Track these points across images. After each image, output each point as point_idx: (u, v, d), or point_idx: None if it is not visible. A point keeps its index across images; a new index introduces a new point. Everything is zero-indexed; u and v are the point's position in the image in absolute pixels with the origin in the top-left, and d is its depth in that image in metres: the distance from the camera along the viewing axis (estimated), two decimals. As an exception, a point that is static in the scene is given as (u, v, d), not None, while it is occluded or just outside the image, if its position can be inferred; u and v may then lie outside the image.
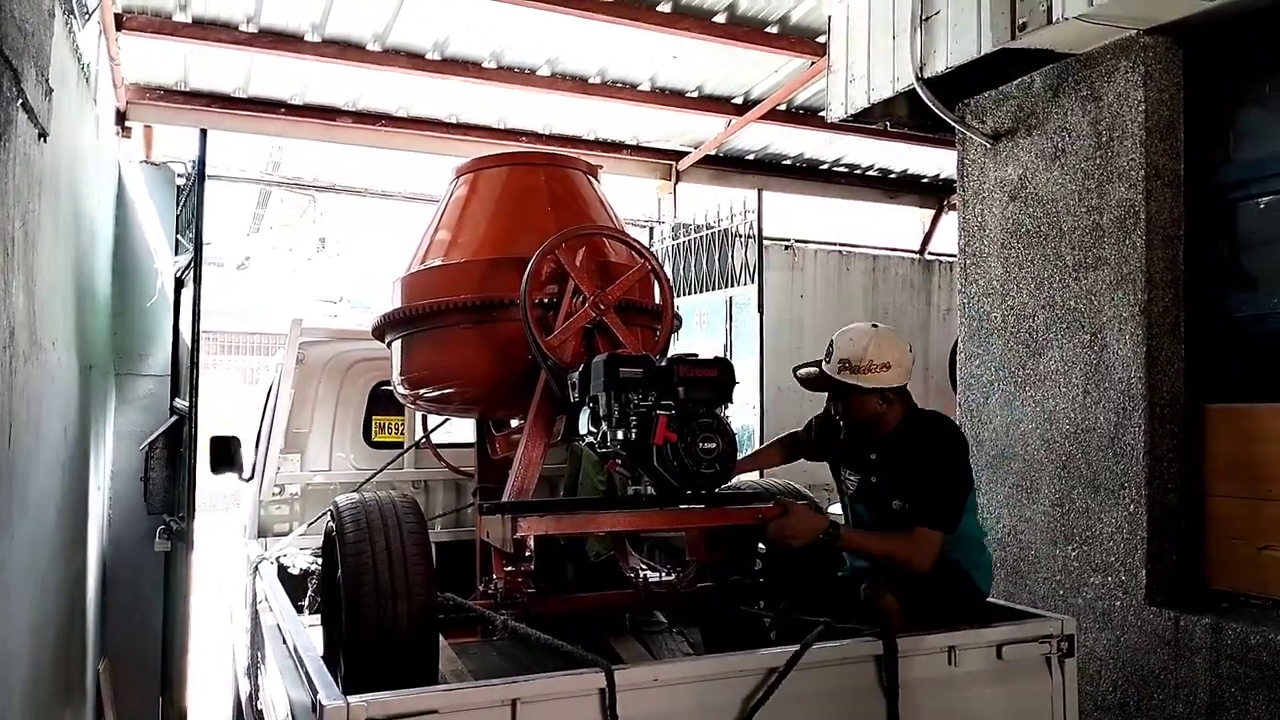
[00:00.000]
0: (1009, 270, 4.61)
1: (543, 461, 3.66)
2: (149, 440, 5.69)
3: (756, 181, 8.46)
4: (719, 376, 3.34)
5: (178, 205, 6.36)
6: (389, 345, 4.04)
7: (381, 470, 5.15)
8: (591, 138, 7.96)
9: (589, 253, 3.68)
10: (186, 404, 5.33)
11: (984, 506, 4.66)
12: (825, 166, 8.89)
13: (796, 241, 9.03)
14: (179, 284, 5.83)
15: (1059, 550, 4.31)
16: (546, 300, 3.59)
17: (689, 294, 7.54)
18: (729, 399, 3.36)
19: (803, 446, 3.78)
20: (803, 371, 3.55)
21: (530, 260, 3.43)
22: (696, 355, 3.48)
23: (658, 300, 3.84)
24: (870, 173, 9.09)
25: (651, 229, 8.26)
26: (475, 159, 4.11)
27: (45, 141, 3.53)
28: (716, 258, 7.23)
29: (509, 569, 3.43)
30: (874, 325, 3.49)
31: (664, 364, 3.30)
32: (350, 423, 5.53)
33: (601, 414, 3.25)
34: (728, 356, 7.13)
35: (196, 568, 5.62)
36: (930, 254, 9.73)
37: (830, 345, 3.44)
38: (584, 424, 3.39)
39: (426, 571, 3.06)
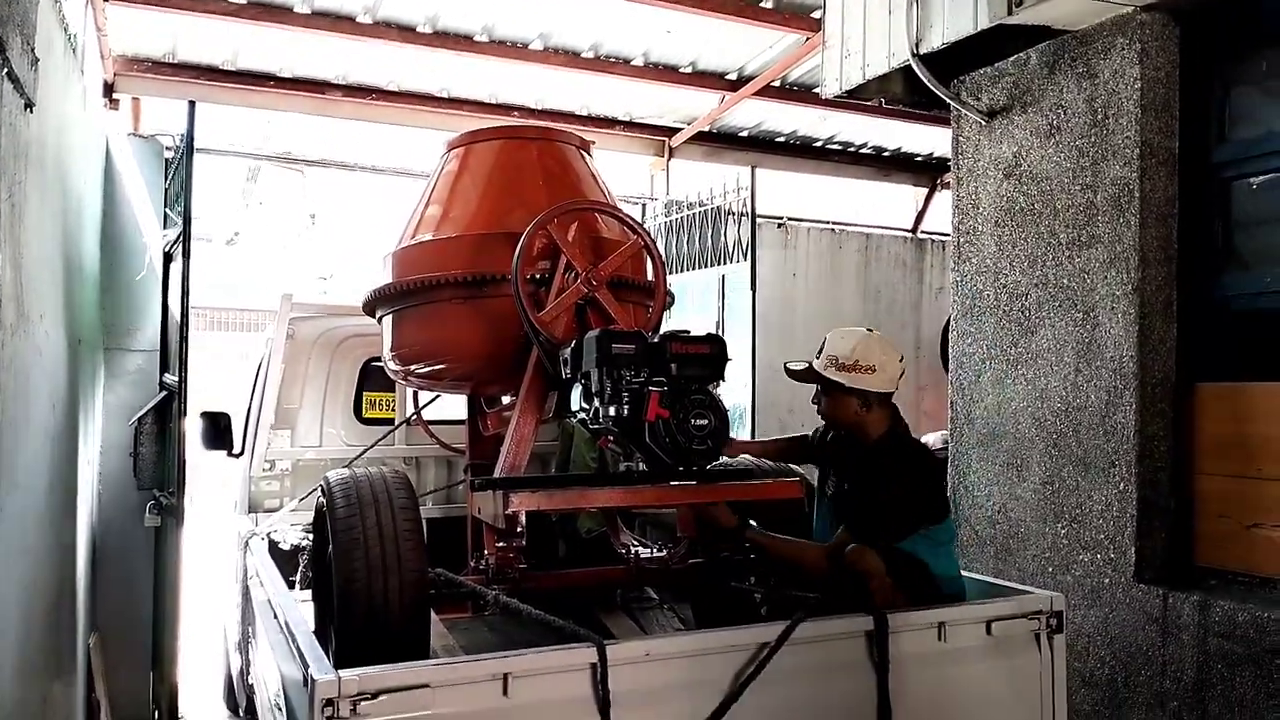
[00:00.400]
0: (1002, 248, 4.60)
1: (534, 438, 3.65)
2: (138, 415, 5.66)
3: (750, 158, 8.42)
4: (711, 353, 3.34)
5: (166, 178, 6.30)
6: (379, 321, 4.02)
7: (372, 446, 5.14)
8: (584, 113, 7.91)
9: (581, 228, 3.66)
10: (176, 379, 5.29)
11: (974, 485, 4.68)
12: (819, 144, 8.85)
13: (789, 219, 9.01)
14: (168, 258, 5.78)
15: (1048, 528, 4.33)
16: (539, 276, 3.56)
17: (681, 272, 7.51)
18: (721, 376, 3.36)
19: (807, 449, 3.77)
20: (794, 365, 3.55)
21: (522, 235, 3.41)
22: (689, 332, 3.48)
23: (650, 277, 3.83)
24: (864, 150, 9.05)
25: (644, 206, 8.21)
26: (468, 133, 4.07)
27: (31, 112, 3.48)
28: (709, 235, 7.20)
29: (500, 545, 3.42)
30: (869, 330, 3.48)
31: (656, 340, 3.30)
32: (341, 398, 5.51)
33: (593, 390, 3.25)
34: (719, 332, 7.12)
35: (187, 543, 5.62)
36: (923, 233, 9.72)
37: (823, 342, 3.44)
38: (576, 400, 3.38)
39: (418, 546, 3.07)
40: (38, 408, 3.77)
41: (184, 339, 5.27)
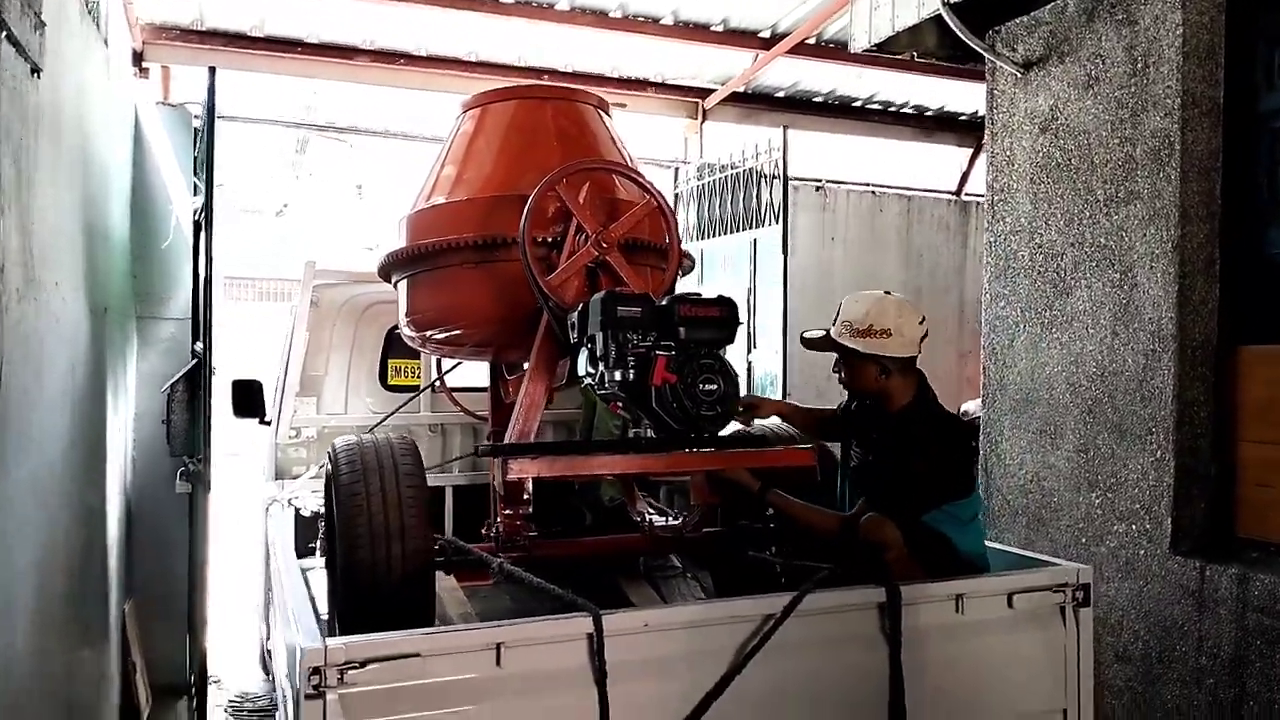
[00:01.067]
0: (1037, 206, 4.41)
1: (545, 404, 3.59)
2: (170, 383, 5.70)
3: (786, 120, 8.21)
4: (721, 316, 3.23)
5: (195, 147, 6.31)
6: (395, 286, 3.97)
7: (395, 413, 5.12)
8: (614, 75, 7.76)
9: (595, 189, 3.57)
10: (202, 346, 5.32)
11: (1007, 453, 4.53)
12: (858, 104, 8.61)
13: (828, 182, 8.80)
14: (198, 226, 5.80)
15: (1082, 497, 4.17)
16: (550, 239, 3.49)
17: (714, 237, 7.37)
18: (732, 339, 3.26)
19: (836, 425, 3.65)
20: (810, 333, 3.43)
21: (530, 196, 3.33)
22: (700, 294, 3.38)
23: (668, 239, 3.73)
24: (905, 110, 8.79)
25: (676, 170, 8.07)
26: (482, 93, 4.00)
27: (39, 78, 3.46)
28: (741, 198, 7.04)
29: (507, 512, 3.37)
30: (886, 292, 3.35)
31: (665, 303, 3.21)
32: (366, 366, 5.50)
33: (598, 354, 3.17)
34: (752, 300, 6.98)
35: (220, 510, 5.67)
36: (967, 195, 9.44)
37: (839, 306, 3.31)
38: (582, 365, 3.30)
39: (422, 513, 3.02)
40: (54, 373, 3.78)
41: (208, 305, 5.30)
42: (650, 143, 8.17)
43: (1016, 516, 4.45)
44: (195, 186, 5.81)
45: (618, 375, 3.13)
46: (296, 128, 9.08)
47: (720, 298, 3.30)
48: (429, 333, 3.85)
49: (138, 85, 6.47)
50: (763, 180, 6.82)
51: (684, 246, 8.05)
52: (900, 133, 8.95)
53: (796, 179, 8.61)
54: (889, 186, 9.07)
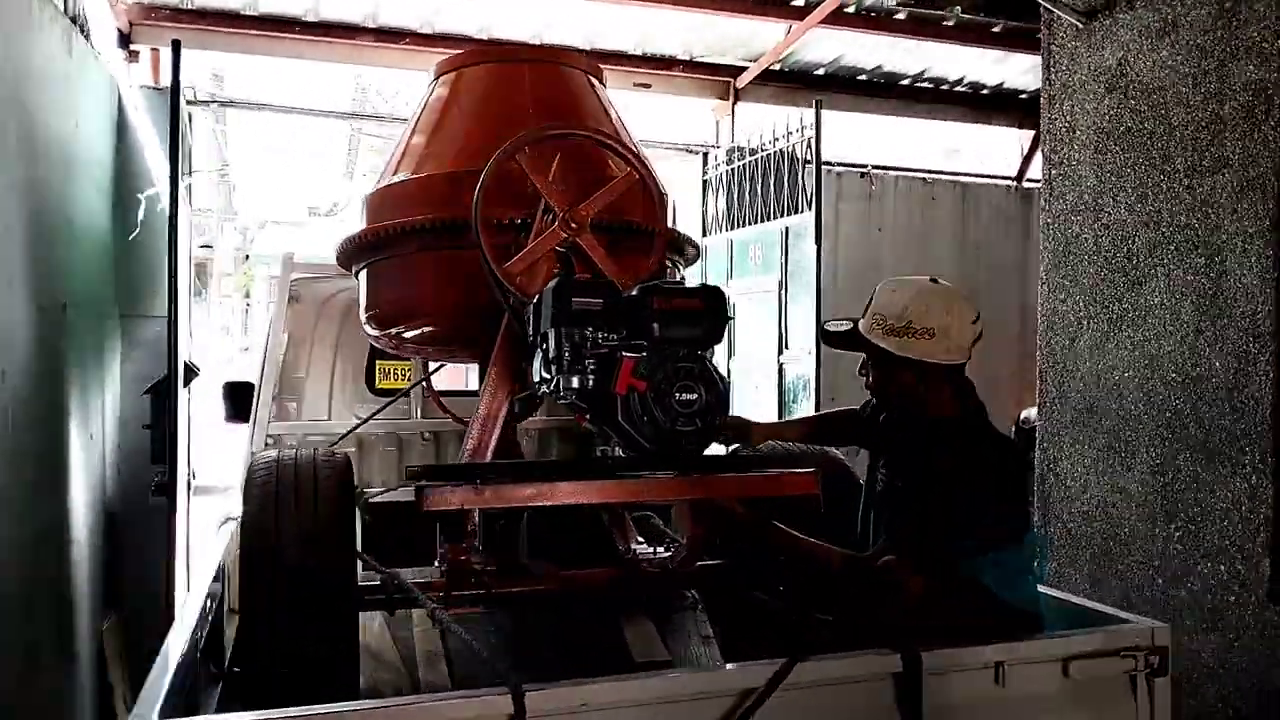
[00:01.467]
0: (1103, 180, 3.75)
1: (503, 415, 3.07)
2: (150, 386, 5.33)
3: (826, 100, 7.62)
4: (704, 308, 2.66)
5: (191, 133, 5.97)
6: (355, 276, 3.49)
7: (372, 417, 4.64)
8: (639, 53, 7.18)
9: (575, 164, 3.04)
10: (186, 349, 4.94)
11: (1067, 473, 3.86)
12: (907, 82, 7.93)
13: (874, 168, 8.13)
14: (171, 218, 5.39)
15: (1159, 529, 3.50)
16: (518, 220, 2.97)
17: (744, 226, 6.76)
18: (718, 338, 2.68)
19: (857, 426, 2.99)
20: (832, 325, 2.81)
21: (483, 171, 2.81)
22: (680, 282, 2.82)
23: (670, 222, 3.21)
24: (959, 88, 8.08)
25: (706, 155, 7.48)
26: (456, 55, 3.54)
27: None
28: (771, 184, 6.42)
29: (453, 545, 2.83)
30: (933, 280, 2.71)
31: (635, 293, 2.65)
32: (351, 367, 5.08)
33: (549, 356, 2.62)
34: (783, 295, 6.37)
35: (191, 525, 5.27)
36: (1029, 181, 8.69)
37: (871, 295, 2.69)
38: (537, 368, 2.76)
39: (342, 546, 2.54)
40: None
41: (173, 300, 4.88)
42: (679, 126, 7.61)
43: (1079, 549, 3.79)
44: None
45: (575, 382, 2.57)
46: (325, 116, 8.68)
47: (704, 287, 2.73)
48: (392, 330, 3.36)
49: (122, 68, 6.07)
50: (794, 163, 6.20)
51: (713, 237, 7.41)
52: (954, 113, 8.24)
53: (840, 165, 7.99)
54: (942, 172, 8.36)
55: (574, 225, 2.95)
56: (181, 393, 5.80)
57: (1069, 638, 2.53)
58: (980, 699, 2.35)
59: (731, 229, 6.92)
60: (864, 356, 2.66)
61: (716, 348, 3.87)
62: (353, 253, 3.35)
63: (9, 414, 3.81)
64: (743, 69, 7.42)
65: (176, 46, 4.80)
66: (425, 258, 3.12)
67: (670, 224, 3.42)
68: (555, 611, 4.28)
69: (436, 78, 3.56)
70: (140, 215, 5.27)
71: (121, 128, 5.78)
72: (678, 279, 3.65)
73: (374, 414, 4.65)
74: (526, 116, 3.24)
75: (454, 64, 3.51)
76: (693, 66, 7.40)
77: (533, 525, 3.90)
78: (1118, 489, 3.66)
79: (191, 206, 6.08)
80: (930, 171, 8.37)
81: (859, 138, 8.00)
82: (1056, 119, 3.97)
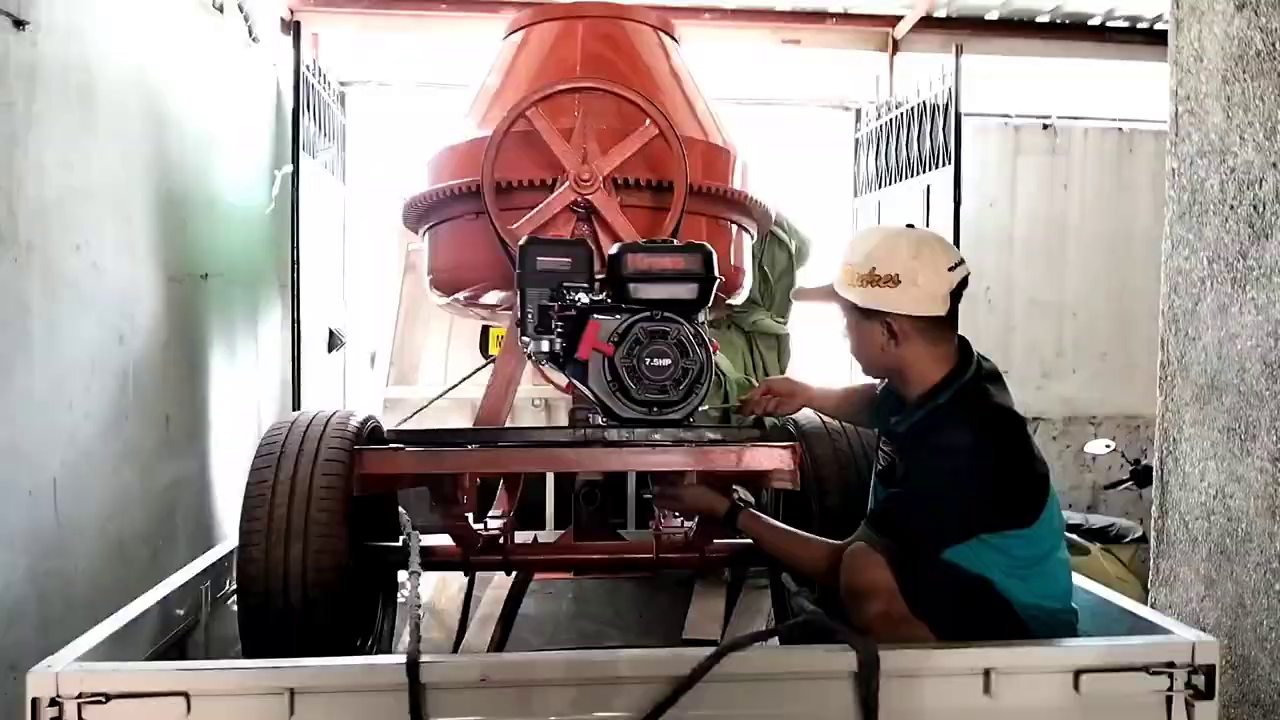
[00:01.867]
0: (1231, 116, 3.16)
1: (516, 380, 3.06)
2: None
3: (1004, 46, 6.98)
4: (687, 269, 2.53)
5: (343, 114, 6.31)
6: (421, 238, 3.57)
7: (460, 383, 4.71)
8: (788, 8, 6.82)
9: (605, 122, 2.97)
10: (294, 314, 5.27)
11: (1186, 457, 3.32)
12: (1095, 21, 7.11)
13: (1059, 118, 7.39)
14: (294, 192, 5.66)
15: (1278, 526, 2.95)
16: (538, 182, 2.96)
17: (893, 183, 6.30)
18: (705, 301, 2.54)
19: (872, 403, 2.74)
20: (811, 284, 2.60)
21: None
22: (669, 240, 2.69)
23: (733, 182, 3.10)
24: (1158, 27, 7.16)
25: (858, 112, 7.03)
26: (523, 14, 3.52)
27: (23, 30, 3.36)
28: (915, 138, 5.95)
29: (447, 510, 2.81)
30: (908, 225, 2.46)
31: (612, 252, 2.56)
32: (466, 333, 5.21)
33: (518, 318, 2.58)
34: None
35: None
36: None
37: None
38: (515, 330, 2.72)
39: (339, 509, 2.55)
40: (79, 341, 3.68)
41: (295, 268, 5.19)
42: (834, 82, 7.19)
43: (1196, 545, 3.26)
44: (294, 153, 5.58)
45: (544, 345, 2.52)
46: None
47: (691, 244, 2.58)
48: (458, 295, 3.42)
49: (284, 51, 6.40)
50: (936, 114, 5.71)
51: (862, 197, 7.00)
52: (1151, 54, 7.29)
53: (1020, 117, 7.33)
54: (1141, 120, 7.45)
55: (584, 182, 2.88)
56: (331, 356, 6.19)
57: (1076, 645, 2.20)
58: (962, 710, 2.09)
59: (880, 187, 6.49)
60: (846, 320, 2.42)
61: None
62: (415, 214, 3.42)
63: (129, 375, 4.17)
64: (901, 18, 6.90)
65: (297, 28, 5.07)
66: (469, 223, 3.13)
67: (739, 185, 3.26)
68: (635, 582, 4.23)
69: (505, 37, 3.55)
70: (274, 190, 5.58)
71: (280, 109, 6.15)
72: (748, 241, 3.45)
73: (463, 380, 4.72)
74: (575, 76, 3.17)
75: (521, 22, 3.49)
76: (847, 18, 6.94)
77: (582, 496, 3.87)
78: (1235, 477, 3.09)
79: (345, 183, 6.38)
80: (1127, 119, 7.49)
81: (1041, 84, 7.28)
82: (1183, 48, 3.38)
